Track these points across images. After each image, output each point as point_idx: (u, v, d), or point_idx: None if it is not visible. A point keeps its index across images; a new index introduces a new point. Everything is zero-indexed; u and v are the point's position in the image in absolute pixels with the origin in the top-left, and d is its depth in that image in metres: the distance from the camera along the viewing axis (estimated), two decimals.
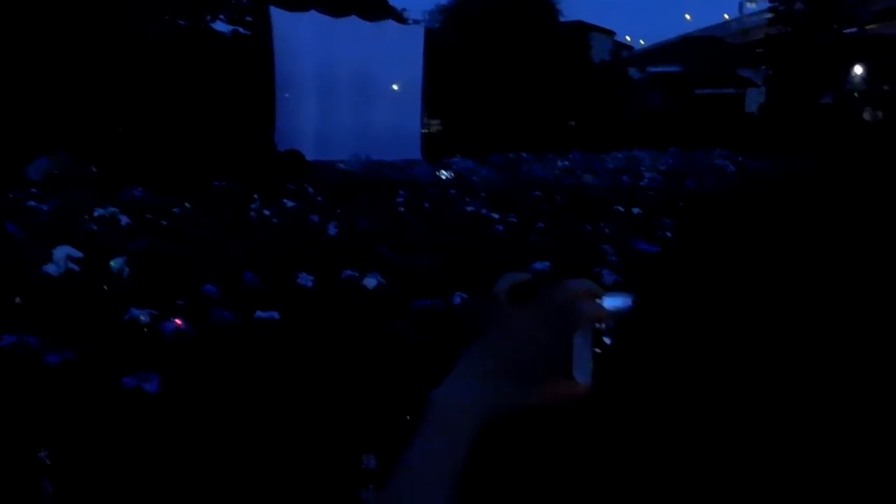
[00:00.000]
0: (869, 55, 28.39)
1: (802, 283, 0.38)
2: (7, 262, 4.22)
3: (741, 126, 26.75)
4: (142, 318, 3.30)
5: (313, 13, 20.22)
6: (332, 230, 6.13)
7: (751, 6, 44.92)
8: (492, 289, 0.61)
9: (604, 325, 0.58)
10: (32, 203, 7.78)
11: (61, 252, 3.72)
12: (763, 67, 31.90)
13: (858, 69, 29.62)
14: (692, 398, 0.40)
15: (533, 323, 0.58)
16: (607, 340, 0.57)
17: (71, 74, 16.07)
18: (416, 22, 26.15)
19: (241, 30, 22.19)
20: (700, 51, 35.21)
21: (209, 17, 22.23)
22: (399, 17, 26.31)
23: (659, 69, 36.33)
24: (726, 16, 48.31)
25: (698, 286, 0.42)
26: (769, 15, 32.16)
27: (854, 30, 28.53)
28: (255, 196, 8.57)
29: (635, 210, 7.34)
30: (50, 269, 3.70)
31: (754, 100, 33.51)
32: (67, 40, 16.18)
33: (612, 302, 0.58)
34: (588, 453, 0.46)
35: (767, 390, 0.38)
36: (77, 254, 3.78)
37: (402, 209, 8.13)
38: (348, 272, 3.88)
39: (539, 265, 4.18)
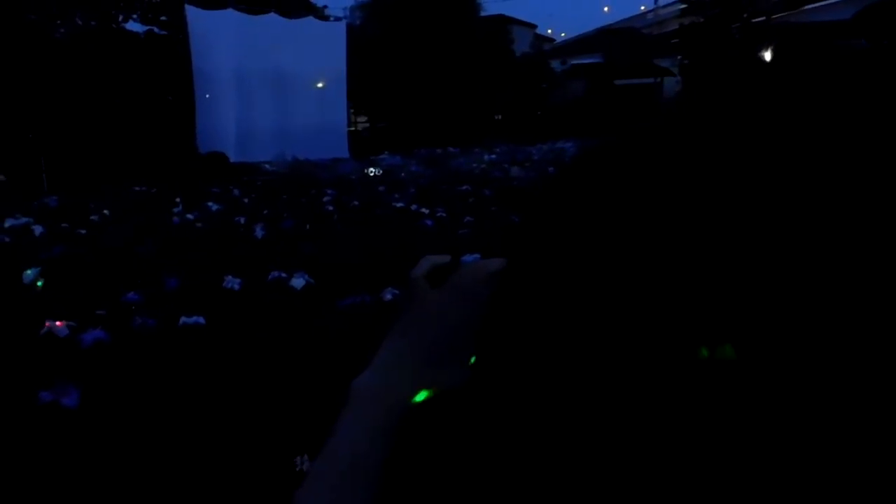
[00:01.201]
0: (775, 42, 29.54)
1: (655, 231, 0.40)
2: None
3: (658, 114, 27.44)
4: (59, 331, 3.17)
5: (230, 11, 19.75)
6: (258, 232, 6.03)
7: None
8: (410, 272, 0.60)
9: None
10: None
11: None
12: (678, 57, 32.85)
13: (767, 56, 30.80)
14: (564, 358, 0.41)
15: (448, 303, 0.57)
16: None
17: None
18: (338, 18, 25.87)
19: (155, 29, 21.51)
20: (618, 42, 36.03)
21: (121, 17, 21.48)
22: (319, 13, 25.97)
23: (580, 61, 36.99)
24: (642, 7, 49.54)
25: (558, 247, 0.43)
26: (682, 6, 33.14)
27: (762, 19, 29.70)
28: (177, 200, 8.34)
29: None
30: None
31: (671, 88, 34.47)
32: None
33: None
34: (478, 435, 0.46)
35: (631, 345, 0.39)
36: None
37: (330, 207, 8.05)
38: (275, 273, 3.82)
39: (468, 258, 4.20)
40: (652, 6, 47.91)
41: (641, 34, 39.39)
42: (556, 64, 36.66)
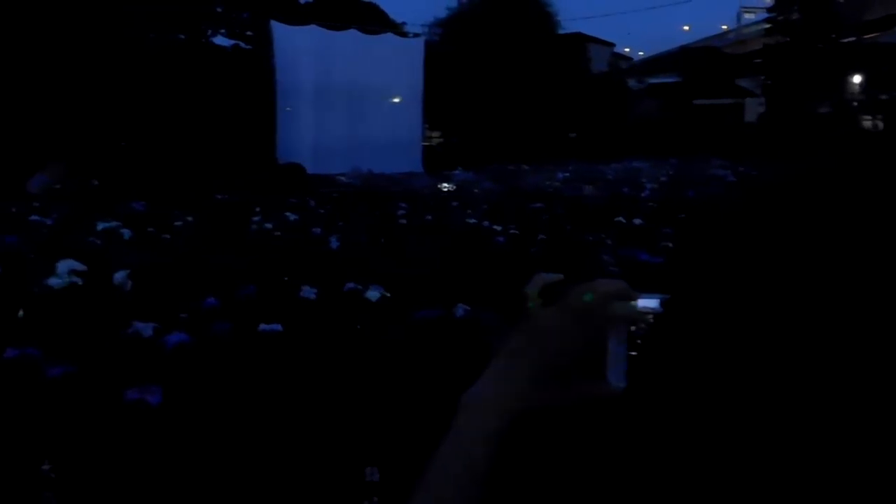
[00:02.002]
0: (866, 64, 28.47)
1: (823, 285, 0.38)
2: (10, 276, 4.22)
3: (740, 135, 26.80)
4: (144, 331, 3.31)
5: (313, 27, 20.32)
6: (333, 243, 6.14)
7: (749, 17, 45.10)
8: (523, 289, 0.61)
9: (638, 328, 0.57)
10: (35, 217, 7.78)
11: (64, 265, 3.72)
12: (761, 77, 31.99)
13: (856, 78, 29.70)
14: (719, 401, 0.40)
15: (564, 324, 0.58)
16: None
17: (72, 89, 16.13)
18: (416, 35, 26.26)
19: (241, 44, 22.29)
20: (698, 61, 35.33)
21: (210, 32, 22.33)
22: (399, 30, 26.44)
23: (657, 80, 36.45)
24: (724, 27, 48.52)
25: (725, 290, 0.42)
26: (767, 25, 32.30)
27: (852, 39, 28.65)
28: (257, 209, 8.58)
29: (636, 220, 7.34)
30: (53, 282, 3.71)
31: (753, 109, 33.59)
32: (69, 55, 16.24)
33: (645, 303, 0.58)
34: (619, 455, 0.46)
35: (791, 395, 0.38)
36: (80, 267, 3.78)
37: (403, 221, 8.14)
38: (350, 284, 3.89)
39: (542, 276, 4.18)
40: (734, 25, 46.90)
41: (723, 53, 38.52)
42: (632, 83, 36.23)
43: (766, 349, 0.39)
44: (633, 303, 0.57)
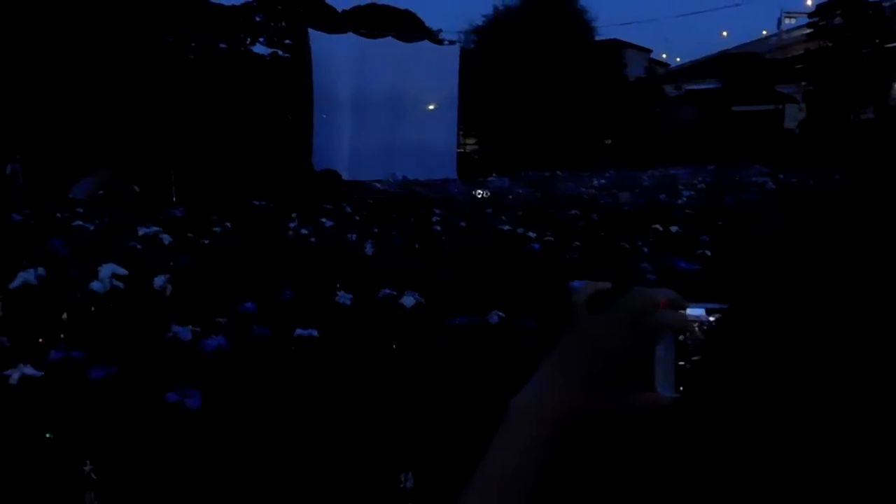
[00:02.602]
0: None
1: None
2: (55, 280, 4.32)
3: (780, 142, 26.38)
4: (183, 335, 3.36)
5: (350, 35, 20.52)
6: (368, 249, 6.17)
7: (790, 22, 44.41)
8: (571, 296, 0.61)
9: (687, 336, 0.57)
10: (78, 222, 7.95)
11: (107, 270, 3.79)
12: (802, 83, 31.46)
13: None
14: (792, 415, 0.39)
15: (612, 331, 0.57)
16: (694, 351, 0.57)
17: (116, 96, 16.50)
18: (452, 42, 26.36)
19: (279, 52, 22.61)
20: (737, 67, 34.85)
21: (249, 40, 22.69)
22: (435, 37, 26.56)
23: (695, 86, 36.06)
24: (765, 32, 47.82)
25: (802, 298, 0.41)
26: (808, 30, 31.78)
27: (895, 44, 28.04)
28: (293, 215, 8.67)
29: (673, 228, 7.26)
30: (96, 286, 3.78)
31: (793, 116, 33.04)
32: (114, 64, 16.62)
33: (695, 312, 0.57)
34: (674, 467, 0.45)
35: (873, 408, 0.37)
36: (122, 271, 3.85)
37: (437, 228, 8.16)
38: (386, 291, 3.90)
39: (577, 284, 4.15)
40: (775, 31, 46.19)
41: (763, 59, 37.96)
42: (670, 89, 35.91)
43: (837, 363, 0.38)
44: (682, 311, 0.57)
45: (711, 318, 0.57)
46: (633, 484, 0.49)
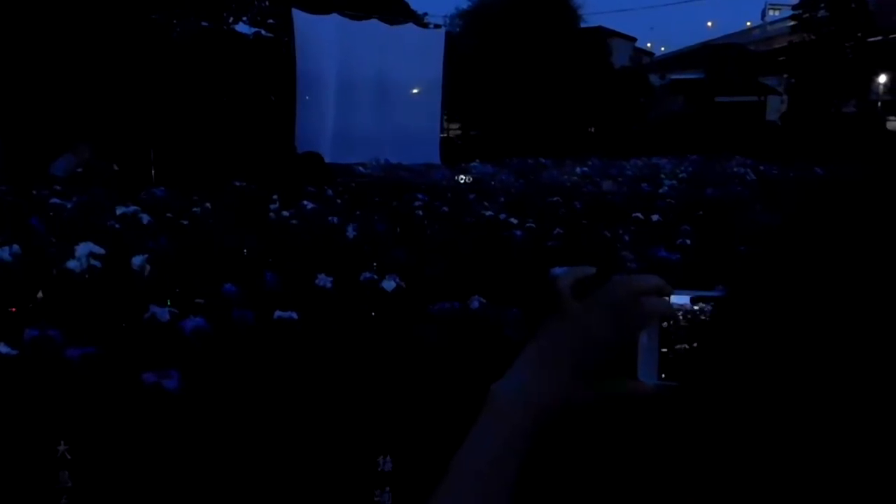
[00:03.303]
0: (893, 64, 28.09)
1: None
2: (30, 258, 4.27)
3: (762, 134, 26.57)
4: (161, 316, 3.33)
5: (335, 16, 20.31)
6: (350, 232, 6.15)
7: (774, 14, 44.65)
8: (555, 282, 0.61)
9: (671, 324, 0.56)
10: (56, 200, 7.85)
11: (84, 249, 3.75)
12: (785, 75, 31.68)
13: (882, 78, 29.33)
14: (794, 406, 0.38)
15: (596, 318, 0.57)
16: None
17: (94, 73, 16.26)
18: (437, 26, 26.20)
19: (263, 32, 22.37)
20: (721, 58, 35.00)
21: (232, 19, 22.41)
22: (420, 21, 26.38)
23: (679, 76, 36.20)
24: (749, 23, 48.05)
25: (803, 287, 0.40)
26: (792, 22, 31.95)
27: (878, 38, 28.27)
28: (275, 197, 8.61)
29: (654, 217, 7.30)
30: (72, 265, 3.74)
31: (775, 108, 33.29)
32: (90, 39, 16.36)
33: (679, 300, 0.57)
34: (663, 454, 0.45)
35: (874, 402, 0.36)
36: (99, 250, 3.81)
37: (420, 213, 8.14)
38: (367, 274, 3.89)
39: (558, 270, 4.17)
40: (759, 22, 46.41)
41: (747, 50, 38.14)
42: (654, 78, 36.02)
43: (839, 354, 0.38)
44: (667, 299, 0.56)
45: (696, 307, 0.57)
46: (617, 470, 0.49)
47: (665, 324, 0.57)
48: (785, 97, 32.37)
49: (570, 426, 0.57)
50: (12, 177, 11.87)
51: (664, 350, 0.57)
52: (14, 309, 3.24)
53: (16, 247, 4.04)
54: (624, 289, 0.57)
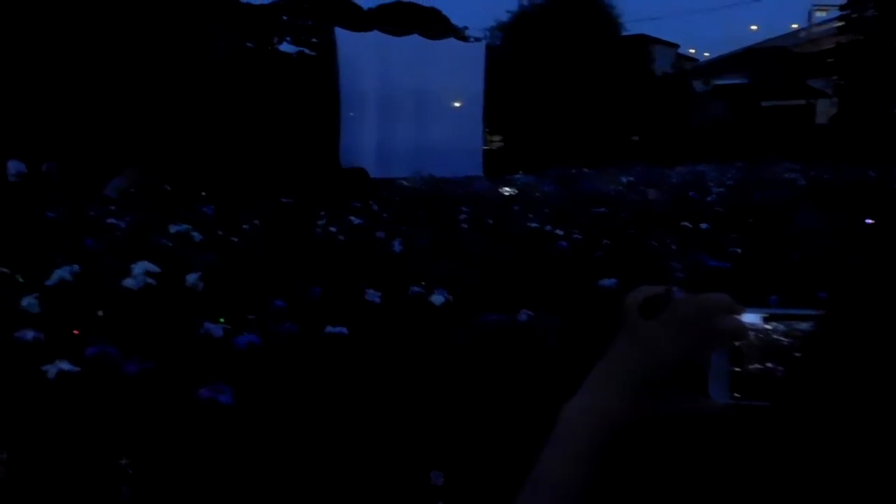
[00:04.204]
0: None
1: None
2: (89, 276, 4.40)
3: (811, 138, 25.99)
4: (215, 332, 3.40)
5: (376, 33, 20.58)
6: (396, 246, 6.19)
7: (820, 15, 43.71)
8: (624, 300, 0.61)
9: (742, 343, 0.56)
10: (111, 220, 8.08)
11: (140, 267, 3.86)
12: (834, 77, 30.95)
13: None
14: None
15: (666, 337, 0.57)
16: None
17: (148, 95, 16.72)
18: (477, 39, 26.32)
19: (306, 51, 22.75)
20: (767, 62, 34.39)
21: (276, 39, 22.85)
22: (460, 34, 26.55)
23: (723, 81, 35.67)
24: (794, 25, 47.12)
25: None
26: (839, 23, 31.26)
27: None
28: (321, 213, 8.73)
29: (702, 225, 7.19)
30: (129, 282, 3.85)
31: (824, 111, 32.54)
32: (145, 63, 16.84)
33: (750, 318, 0.56)
34: (740, 474, 0.44)
35: None
36: (154, 269, 3.91)
37: (464, 225, 8.16)
38: (415, 288, 3.92)
39: (606, 282, 4.14)
40: (805, 24, 45.50)
41: (792, 53, 37.41)
42: (697, 84, 35.55)
43: None
44: (738, 317, 0.56)
45: (768, 325, 0.57)
46: (688, 489, 0.49)
47: (737, 342, 0.56)
48: (834, 99, 31.63)
49: (642, 442, 0.57)
50: (68, 198, 12.27)
51: (736, 369, 0.57)
52: (77, 332, 3.34)
53: (76, 266, 4.17)
54: (695, 307, 0.57)
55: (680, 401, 0.57)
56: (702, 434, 0.54)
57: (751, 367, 0.56)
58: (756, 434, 0.49)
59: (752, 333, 0.56)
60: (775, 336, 0.56)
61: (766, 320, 0.57)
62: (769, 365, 0.56)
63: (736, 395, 0.56)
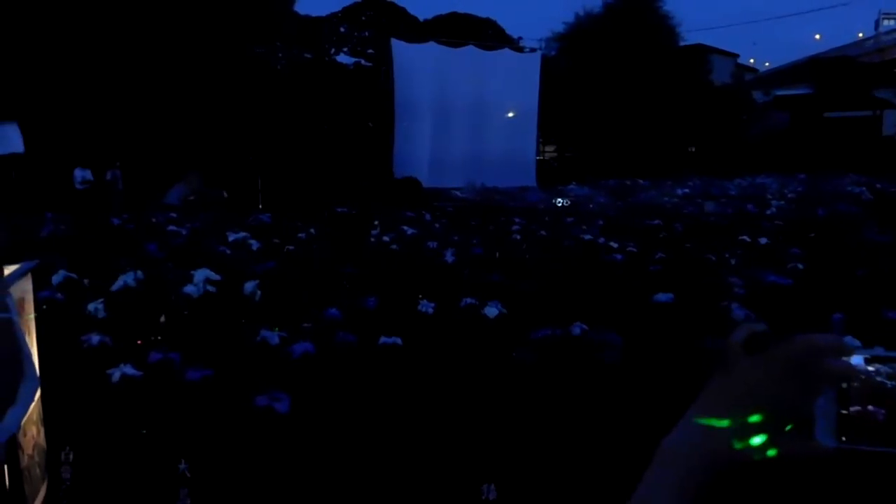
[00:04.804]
0: None
1: None
2: (152, 282, 4.53)
3: (877, 150, 25.15)
4: (271, 340, 3.47)
5: (432, 44, 20.72)
6: (449, 257, 6.21)
7: (888, 23, 42.36)
8: (728, 338, 0.60)
9: (850, 386, 0.54)
10: (172, 227, 8.31)
11: (201, 275, 3.95)
12: None
13: None
14: None
15: (771, 377, 0.55)
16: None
17: (208, 106, 17.16)
18: (533, 50, 26.25)
19: (362, 61, 23.03)
20: (831, 71, 33.41)
21: (333, 51, 23.20)
22: (515, 45, 26.52)
23: (785, 92, 34.79)
24: (861, 34, 45.74)
25: None
26: None
27: None
28: (375, 222, 8.81)
29: (762, 240, 7.02)
30: (190, 290, 3.95)
31: (892, 122, 31.46)
32: (206, 76, 17.29)
33: (855, 360, 0.55)
34: None
35: None
36: (215, 276, 4.01)
37: (517, 237, 8.13)
38: (468, 300, 3.92)
39: (661, 297, 4.08)
40: (872, 33, 44.11)
41: (858, 63, 36.27)
42: (758, 95, 34.76)
43: None
44: (848, 360, 0.54)
45: (871, 367, 0.55)
46: None
47: (844, 385, 0.55)
48: None
49: (749, 482, 0.56)
50: (131, 205, 12.67)
51: (843, 411, 0.55)
52: (140, 342, 3.44)
53: (139, 272, 4.30)
54: (802, 347, 0.55)
55: (786, 443, 0.55)
56: (812, 477, 0.52)
57: (853, 409, 0.54)
58: (871, 482, 0.48)
59: (860, 376, 0.54)
60: (879, 379, 0.54)
61: (868, 362, 0.55)
62: (871, 408, 0.54)
63: (843, 438, 0.54)
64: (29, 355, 0.96)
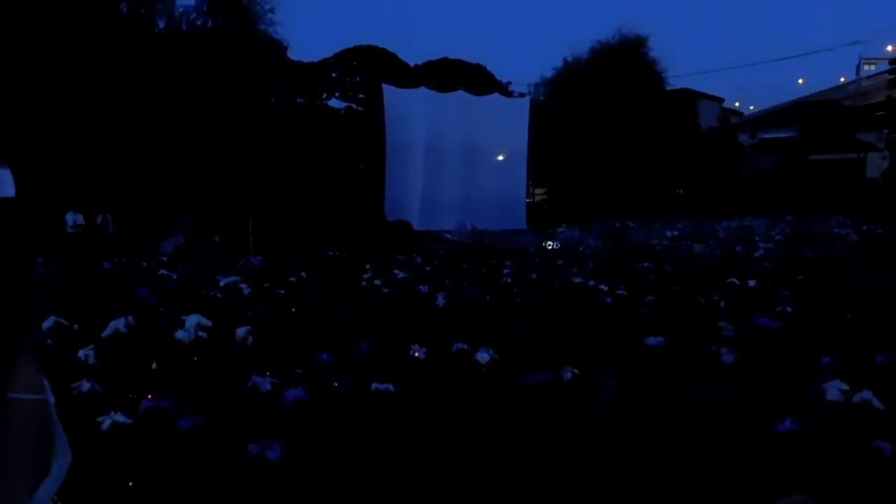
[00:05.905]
0: None
1: None
2: (143, 328, 4.51)
3: (862, 192, 25.49)
4: (263, 386, 3.46)
5: (423, 89, 21.02)
6: (440, 300, 6.22)
7: (869, 68, 43.28)
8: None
9: None
10: (163, 271, 8.29)
11: (192, 320, 3.94)
12: (885, 131, 30.47)
13: None
14: None
15: None
16: None
17: (198, 150, 17.27)
18: (522, 94, 26.66)
19: (354, 106, 23.30)
20: (815, 115, 34.03)
21: (325, 95, 23.49)
22: (505, 90, 26.92)
23: (770, 135, 35.35)
24: (843, 79, 46.68)
25: None
26: (890, 76, 30.90)
27: None
28: (367, 266, 8.82)
29: (751, 282, 7.07)
30: (181, 335, 3.93)
31: (876, 164, 31.95)
32: (196, 120, 17.43)
33: None
34: None
35: None
36: (206, 322, 4.00)
37: (508, 280, 8.16)
38: (459, 345, 3.93)
39: (652, 340, 4.10)
40: (854, 77, 45.04)
41: (841, 106, 36.98)
42: (744, 138, 35.30)
43: None
44: None
45: None
46: None
47: None
48: (886, 153, 31.09)
49: None
50: (122, 249, 12.66)
51: None
52: (132, 395, 3.42)
53: (131, 318, 4.29)
54: None
55: None
56: None
57: None
58: None
59: None
60: None
61: None
62: None
63: None
64: (62, 434, 1.02)
